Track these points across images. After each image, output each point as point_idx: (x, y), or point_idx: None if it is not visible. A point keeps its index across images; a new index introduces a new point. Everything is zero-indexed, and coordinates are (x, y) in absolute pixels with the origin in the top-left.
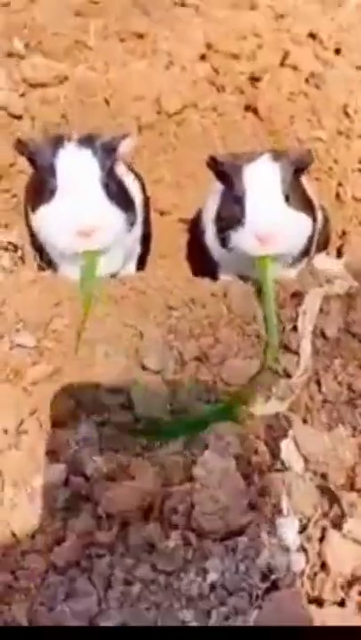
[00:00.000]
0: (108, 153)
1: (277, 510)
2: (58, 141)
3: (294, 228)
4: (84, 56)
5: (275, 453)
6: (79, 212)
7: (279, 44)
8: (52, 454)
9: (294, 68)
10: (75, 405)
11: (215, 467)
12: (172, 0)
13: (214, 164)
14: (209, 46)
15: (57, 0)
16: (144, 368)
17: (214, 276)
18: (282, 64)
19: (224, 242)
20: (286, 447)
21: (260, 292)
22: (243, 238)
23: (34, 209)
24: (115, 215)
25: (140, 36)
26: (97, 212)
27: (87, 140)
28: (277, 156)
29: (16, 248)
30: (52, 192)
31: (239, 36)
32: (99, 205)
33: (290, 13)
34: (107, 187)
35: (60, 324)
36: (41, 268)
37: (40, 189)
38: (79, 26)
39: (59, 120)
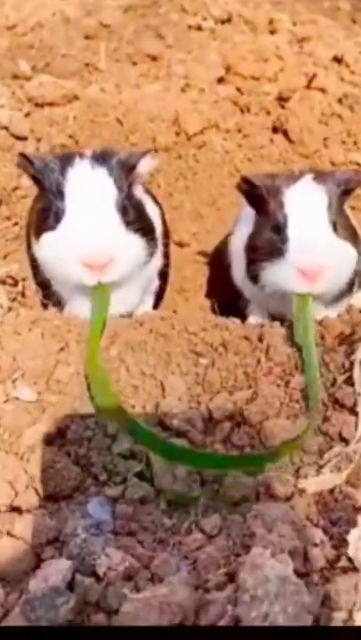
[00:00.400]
0: (125, 172)
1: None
2: (68, 158)
3: (342, 261)
4: (95, 78)
5: (338, 545)
6: (90, 240)
7: (302, 68)
8: (53, 544)
9: (323, 90)
10: (82, 475)
11: (268, 573)
12: (186, 23)
13: (247, 187)
14: (228, 69)
15: (66, 23)
16: (166, 428)
17: (242, 316)
18: (308, 86)
19: (257, 277)
20: (355, 540)
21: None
22: (283, 273)
23: (37, 236)
24: (133, 244)
25: (154, 59)
26: (112, 239)
27: (102, 157)
28: (322, 176)
29: (16, 282)
30: (59, 216)
31: (260, 59)
32: (114, 232)
33: (312, 37)
34: (124, 210)
35: (65, 374)
36: (44, 306)
37: (45, 214)
38: (89, 48)
39: (67, 141)
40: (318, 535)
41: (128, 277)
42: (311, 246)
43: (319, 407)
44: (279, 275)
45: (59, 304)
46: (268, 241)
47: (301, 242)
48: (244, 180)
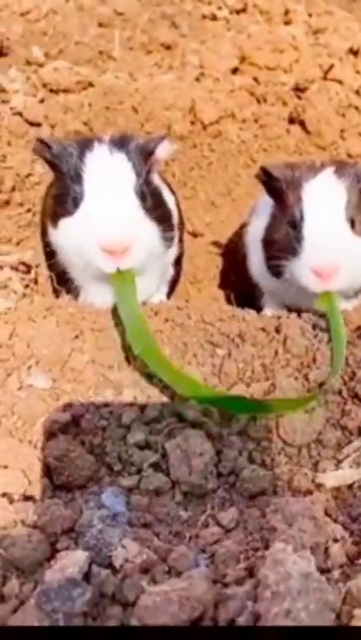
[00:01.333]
0: (144, 157)
1: None
2: (86, 144)
3: (359, 258)
4: (108, 66)
5: (358, 541)
6: (109, 225)
7: (317, 60)
8: (69, 534)
9: (340, 82)
10: (97, 465)
11: (290, 569)
12: (201, 13)
13: (267, 178)
14: (243, 59)
15: (80, 10)
16: (181, 419)
17: (257, 307)
18: (325, 78)
19: (276, 271)
20: None
21: (314, 327)
22: (299, 271)
23: (54, 221)
24: (151, 230)
25: (168, 48)
26: (131, 225)
27: (120, 142)
28: (343, 169)
29: (29, 269)
30: (77, 202)
31: (275, 49)
32: (133, 218)
33: (327, 29)
34: (142, 196)
35: (79, 362)
36: (56, 293)
37: (62, 199)
38: (103, 36)
39: (81, 128)
40: (338, 531)
41: (146, 265)
42: (326, 246)
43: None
44: (295, 273)
45: (74, 291)
46: (285, 236)
47: (316, 241)
48: (264, 170)
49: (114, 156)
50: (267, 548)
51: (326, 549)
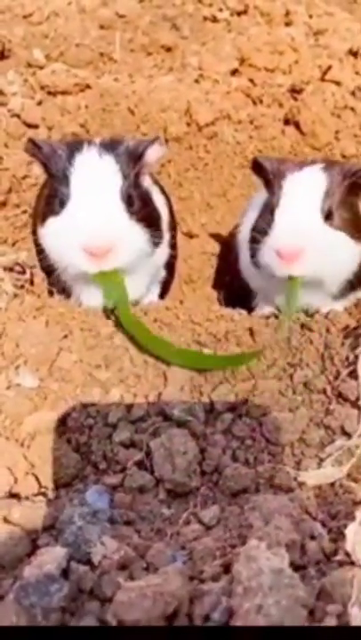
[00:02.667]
0: (132, 160)
1: (344, 621)
2: (76, 146)
3: (330, 248)
4: (109, 68)
5: (336, 539)
6: (91, 227)
7: (316, 61)
8: (50, 531)
9: (337, 83)
10: (82, 463)
11: (263, 565)
12: (202, 14)
13: (257, 168)
14: (242, 61)
15: (81, 12)
16: (167, 418)
17: (249, 309)
18: (323, 79)
19: (253, 257)
20: (353, 534)
21: (302, 326)
22: (266, 255)
23: (42, 220)
24: (135, 233)
25: (169, 50)
26: (114, 228)
27: (110, 145)
28: (331, 166)
29: (24, 270)
30: (63, 203)
31: (274, 51)
32: (116, 220)
33: (327, 30)
34: (128, 199)
35: (67, 361)
36: (50, 293)
37: (51, 199)
38: (104, 38)
39: (78, 130)
40: (317, 528)
41: (132, 266)
42: (291, 228)
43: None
44: (264, 256)
45: (64, 291)
46: (263, 222)
47: (283, 224)
48: (256, 161)
49: (102, 159)
50: (244, 544)
51: (303, 546)
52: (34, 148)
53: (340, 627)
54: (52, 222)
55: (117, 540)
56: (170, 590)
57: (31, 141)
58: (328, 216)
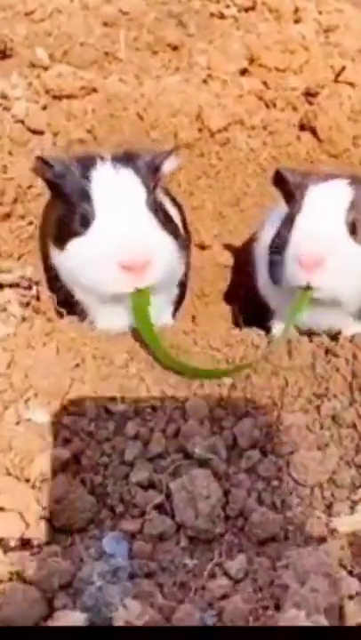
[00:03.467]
0: (151, 172)
1: None
2: (88, 161)
3: (355, 264)
4: (114, 67)
5: None
6: (128, 241)
7: (328, 60)
8: (67, 590)
9: (351, 84)
10: (98, 507)
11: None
12: (209, 11)
13: (279, 180)
14: (251, 60)
15: (84, 9)
16: (187, 456)
17: (266, 328)
18: (336, 80)
19: (272, 271)
20: None
21: (327, 351)
22: (287, 264)
23: (60, 244)
24: (168, 245)
25: (175, 48)
26: (149, 241)
27: (126, 159)
28: (357, 181)
29: (30, 286)
30: (87, 221)
31: (285, 50)
32: (150, 233)
33: (338, 27)
34: (155, 211)
35: (80, 393)
36: (59, 314)
37: (68, 219)
38: (108, 36)
39: (85, 136)
40: (354, 586)
41: (163, 282)
42: (314, 236)
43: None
44: (284, 267)
45: (80, 314)
46: (286, 231)
47: (305, 231)
48: (278, 172)
49: (121, 172)
50: (277, 607)
51: (341, 608)
52: (43, 165)
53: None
54: (77, 243)
55: (141, 600)
56: None
57: (40, 160)
58: (353, 230)
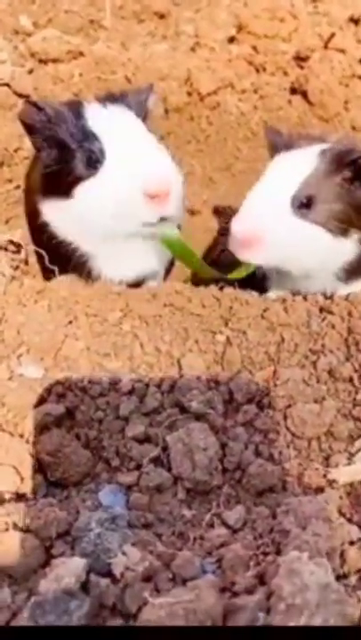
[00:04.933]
0: (140, 107)
1: None
2: (75, 104)
3: (299, 243)
4: (99, 35)
5: None
6: (151, 171)
7: (316, 29)
8: (64, 538)
9: (342, 51)
10: (93, 460)
11: (308, 580)
12: None
13: (269, 136)
14: (240, 28)
15: None
16: (183, 410)
17: (261, 290)
18: (326, 47)
19: None
20: None
21: (321, 310)
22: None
23: (63, 193)
24: (178, 174)
25: (162, 17)
26: (169, 169)
27: (113, 98)
28: (332, 152)
29: (19, 249)
30: (95, 161)
31: (273, 18)
32: (167, 161)
33: None
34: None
35: (73, 350)
36: (47, 276)
37: (70, 165)
38: (93, 4)
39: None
40: (355, 532)
41: (173, 217)
42: (250, 214)
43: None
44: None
45: (80, 269)
46: None
47: (245, 207)
48: (266, 128)
49: (114, 109)
50: (278, 552)
51: (342, 553)
52: (34, 110)
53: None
54: (88, 186)
55: (140, 547)
56: (204, 608)
57: (31, 103)
58: (306, 205)
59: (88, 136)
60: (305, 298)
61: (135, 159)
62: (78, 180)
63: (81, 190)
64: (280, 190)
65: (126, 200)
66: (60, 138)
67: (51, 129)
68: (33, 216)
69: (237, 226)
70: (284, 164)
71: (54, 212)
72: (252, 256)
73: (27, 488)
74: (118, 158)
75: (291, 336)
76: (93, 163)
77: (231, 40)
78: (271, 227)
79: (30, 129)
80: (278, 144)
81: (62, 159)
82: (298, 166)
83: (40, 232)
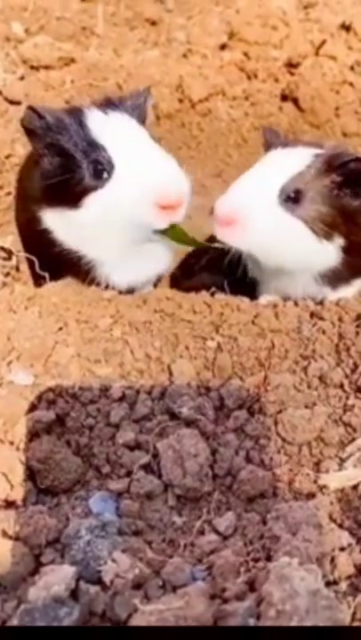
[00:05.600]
0: (139, 112)
1: None
2: (75, 111)
3: (283, 233)
4: (91, 42)
5: None
6: (165, 182)
7: (307, 36)
8: (54, 546)
9: (333, 58)
10: (83, 467)
11: (298, 586)
12: None
13: (266, 135)
14: (231, 35)
15: None
16: (173, 416)
17: (252, 296)
18: (317, 54)
19: None
20: None
21: (312, 315)
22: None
23: (72, 202)
24: (188, 182)
25: (153, 24)
26: (181, 178)
27: (111, 104)
28: (328, 156)
29: (10, 256)
30: (102, 171)
31: (265, 25)
32: (178, 169)
33: (318, 3)
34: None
35: (64, 356)
36: (38, 283)
37: (77, 175)
38: (86, 11)
39: (63, 106)
40: (345, 538)
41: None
42: (231, 193)
43: None
44: None
45: (83, 275)
46: None
47: (231, 190)
48: (264, 129)
49: (115, 116)
50: (268, 558)
51: (333, 559)
52: (35, 116)
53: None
54: (99, 196)
55: (129, 554)
56: (193, 615)
57: (32, 109)
58: (294, 200)
59: (93, 146)
60: (296, 303)
61: (146, 169)
62: (87, 190)
63: (91, 201)
64: (270, 180)
65: (139, 211)
66: (63, 146)
67: (52, 137)
68: (29, 223)
69: (221, 205)
70: (278, 157)
71: (59, 220)
72: (232, 237)
73: (17, 495)
74: (128, 168)
75: (281, 342)
76: (101, 173)
77: (223, 47)
78: (255, 211)
79: (31, 135)
80: (274, 142)
81: (67, 168)
82: (291, 161)
83: (39, 239)
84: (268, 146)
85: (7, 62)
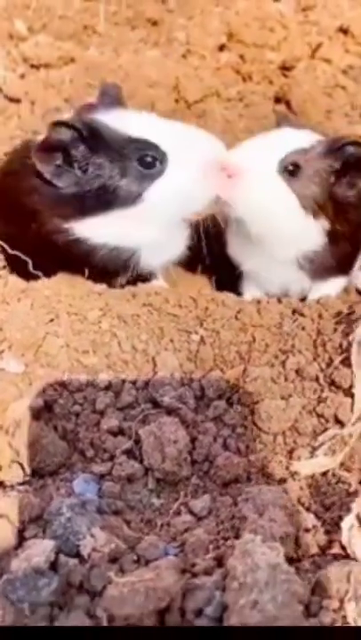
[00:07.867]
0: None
1: (340, 616)
2: (87, 118)
3: (270, 199)
4: (92, 41)
5: (330, 531)
6: (221, 150)
7: (305, 38)
8: (37, 522)
9: (327, 61)
10: (69, 451)
11: (259, 560)
12: None
13: (279, 120)
14: (230, 36)
15: None
16: (156, 405)
17: (238, 292)
18: (312, 57)
19: None
20: (348, 527)
21: (294, 312)
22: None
23: (134, 202)
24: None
25: (154, 24)
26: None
27: (111, 102)
28: (327, 143)
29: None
30: (153, 163)
31: (263, 27)
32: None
33: (317, 6)
34: None
35: (54, 346)
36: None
37: (129, 171)
38: (87, 10)
39: (62, 105)
40: (311, 520)
41: None
42: (234, 151)
43: None
44: None
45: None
46: None
47: (236, 149)
48: (278, 114)
49: (125, 110)
50: (237, 537)
51: (297, 539)
52: (64, 129)
53: (338, 627)
54: (161, 184)
55: (107, 531)
56: (163, 586)
57: (64, 125)
58: (291, 173)
59: (132, 140)
60: (280, 300)
61: (196, 145)
62: (143, 184)
63: (152, 192)
64: (273, 148)
65: (207, 184)
66: (100, 151)
67: (87, 145)
68: (43, 238)
69: (226, 157)
70: (286, 133)
71: (103, 225)
72: (224, 189)
73: (5, 476)
74: (180, 150)
75: (262, 336)
76: (152, 164)
77: (221, 48)
78: (255, 171)
79: (56, 150)
80: (287, 122)
81: (109, 171)
82: (297, 139)
83: (60, 252)
84: (279, 125)
85: (8, 60)
